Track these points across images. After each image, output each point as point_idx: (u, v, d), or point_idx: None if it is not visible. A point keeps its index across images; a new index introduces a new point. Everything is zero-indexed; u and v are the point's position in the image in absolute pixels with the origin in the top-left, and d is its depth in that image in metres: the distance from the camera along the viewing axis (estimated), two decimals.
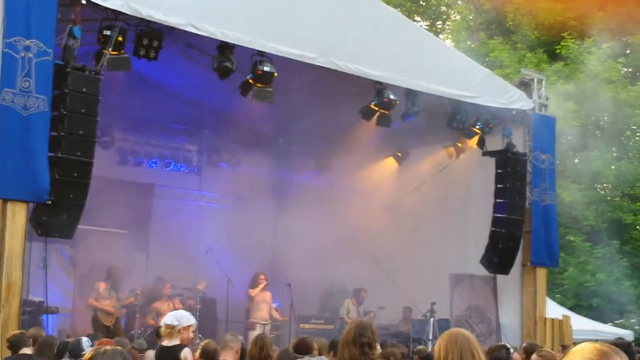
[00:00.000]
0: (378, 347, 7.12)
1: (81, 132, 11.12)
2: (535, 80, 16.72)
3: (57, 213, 10.95)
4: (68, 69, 11.02)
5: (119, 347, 5.87)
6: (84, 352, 7.78)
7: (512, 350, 8.86)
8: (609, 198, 28.87)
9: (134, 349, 10.65)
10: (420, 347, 12.13)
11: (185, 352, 8.52)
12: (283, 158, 20.90)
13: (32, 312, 12.70)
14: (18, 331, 9.35)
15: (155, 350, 8.93)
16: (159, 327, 9.95)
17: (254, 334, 15.00)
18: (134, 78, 16.32)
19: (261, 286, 16.35)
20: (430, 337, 16.24)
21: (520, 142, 16.53)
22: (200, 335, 14.32)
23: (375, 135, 16.80)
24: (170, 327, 8.54)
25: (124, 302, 15.49)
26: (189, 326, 8.65)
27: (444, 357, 4.83)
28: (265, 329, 16.03)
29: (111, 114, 14.95)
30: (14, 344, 8.81)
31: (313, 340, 8.82)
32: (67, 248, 16.86)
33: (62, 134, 10.96)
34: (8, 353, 9.64)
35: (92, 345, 8.08)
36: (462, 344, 4.83)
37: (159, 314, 15.61)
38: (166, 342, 8.59)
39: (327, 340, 9.30)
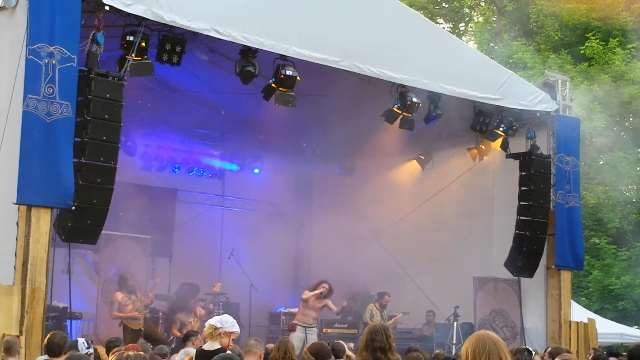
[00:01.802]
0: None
1: (105, 137, 11.15)
2: (559, 81, 16.60)
3: (81, 219, 10.99)
4: (91, 75, 11.04)
5: (141, 353, 5.89)
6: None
7: (533, 353, 8.81)
8: (634, 200, 28.64)
9: (155, 354, 10.67)
10: (438, 351, 12.04)
11: None
12: (306, 162, 20.88)
13: (56, 318, 12.76)
14: (58, 332, 9.32)
15: (194, 355, 8.86)
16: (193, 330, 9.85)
17: (293, 335, 15.02)
18: (157, 83, 16.41)
19: (316, 292, 15.89)
20: (454, 341, 16.19)
21: (544, 144, 16.42)
22: None
23: (398, 138, 16.76)
24: (212, 328, 8.45)
25: (145, 303, 15.51)
26: (231, 332, 8.53)
27: None
28: (306, 331, 15.88)
29: (134, 120, 15.00)
30: (55, 349, 8.78)
31: (329, 346, 8.84)
32: (90, 254, 16.97)
33: (86, 139, 10.99)
34: (32, 357, 9.70)
35: (88, 347, 8.10)
36: (491, 349, 4.69)
37: (183, 325, 15.68)
38: (207, 346, 8.52)
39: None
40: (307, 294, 15.88)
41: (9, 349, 8.86)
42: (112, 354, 6.64)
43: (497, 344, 4.72)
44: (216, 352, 8.35)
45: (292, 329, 15.83)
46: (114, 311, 15.22)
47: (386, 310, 17.69)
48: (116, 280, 15.88)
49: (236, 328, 8.60)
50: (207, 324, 8.68)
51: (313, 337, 15.39)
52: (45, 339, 9.01)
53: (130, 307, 15.19)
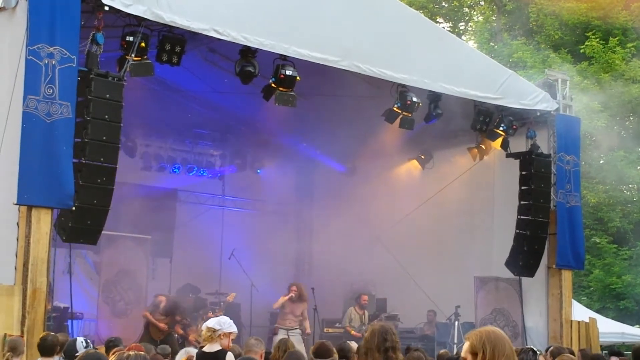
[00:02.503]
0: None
1: (105, 138, 11.15)
2: (560, 80, 16.59)
3: (82, 219, 10.99)
4: (91, 76, 11.05)
5: (142, 352, 5.89)
6: (77, 354, 7.80)
7: (538, 353, 8.79)
8: (635, 199, 28.64)
9: (158, 354, 10.66)
10: (442, 351, 12.05)
11: (230, 357, 8.41)
12: (307, 162, 20.88)
13: (57, 318, 12.77)
14: (50, 333, 9.32)
15: (195, 357, 8.84)
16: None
17: (276, 338, 15.03)
18: (157, 84, 16.39)
19: (284, 298, 15.97)
20: (455, 340, 16.17)
21: (544, 143, 16.42)
22: None
23: (398, 138, 16.75)
24: (212, 331, 8.42)
25: (178, 321, 15.44)
26: (229, 333, 8.50)
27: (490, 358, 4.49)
28: (288, 333, 15.92)
29: (134, 120, 14.99)
30: (47, 348, 8.79)
31: (332, 345, 8.81)
32: (91, 254, 16.98)
33: (86, 140, 10.99)
34: (34, 358, 9.69)
35: (87, 346, 8.10)
36: (509, 355, 4.53)
37: (187, 325, 15.66)
38: (207, 348, 8.50)
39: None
40: (277, 303, 16.00)
41: (15, 349, 8.89)
42: (113, 353, 6.62)
43: (512, 348, 4.54)
44: (217, 353, 8.36)
45: (275, 332, 15.83)
46: (147, 311, 15.22)
47: (366, 310, 17.61)
48: (118, 279, 15.92)
49: (234, 328, 8.59)
50: (204, 327, 8.66)
51: (296, 339, 15.43)
52: (41, 337, 9.03)
53: (164, 318, 15.20)
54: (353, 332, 16.55)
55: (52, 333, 9.41)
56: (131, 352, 5.81)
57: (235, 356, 8.42)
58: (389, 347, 6.70)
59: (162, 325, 15.13)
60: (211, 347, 8.42)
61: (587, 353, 12.55)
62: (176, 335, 15.58)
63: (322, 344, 8.65)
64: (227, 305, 16.77)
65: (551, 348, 10.79)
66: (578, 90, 21.52)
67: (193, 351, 9.48)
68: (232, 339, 8.56)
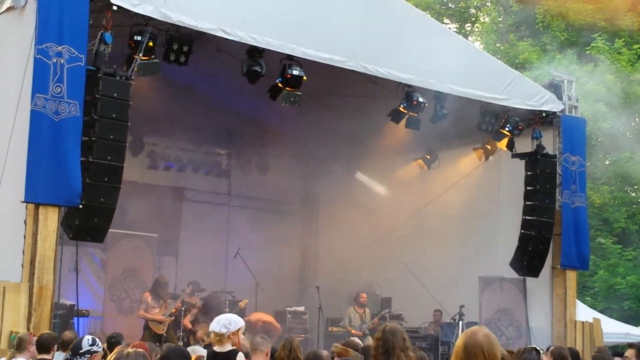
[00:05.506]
0: None
1: (112, 136, 11.22)
2: (565, 81, 16.62)
3: (89, 217, 11.05)
4: (99, 75, 11.11)
5: (141, 350, 5.94)
6: (81, 351, 7.87)
7: (541, 352, 8.78)
8: None
9: None
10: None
11: (241, 357, 8.35)
12: (312, 161, 20.91)
13: (63, 316, 12.81)
14: (47, 331, 9.39)
15: (205, 356, 8.83)
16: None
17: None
18: (164, 83, 16.43)
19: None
20: None
21: (550, 144, 16.44)
22: None
23: (404, 138, 16.76)
24: (219, 335, 8.37)
25: (171, 311, 15.46)
26: (238, 330, 8.45)
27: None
28: None
29: (141, 119, 15.04)
30: (43, 345, 8.86)
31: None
32: (98, 252, 17.03)
33: (94, 138, 11.06)
34: None
35: (92, 344, 8.15)
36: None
37: (197, 321, 15.68)
38: (218, 348, 8.48)
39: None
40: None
41: (20, 345, 8.97)
42: (114, 351, 6.65)
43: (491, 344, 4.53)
44: (229, 353, 8.33)
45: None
46: (141, 310, 15.26)
47: (366, 307, 17.64)
48: (124, 277, 15.94)
49: (240, 323, 8.43)
50: (210, 330, 8.58)
51: None
52: (36, 337, 9.11)
53: (157, 310, 15.22)
54: (354, 332, 16.63)
55: (49, 331, 9.49)
56: (130, 350, 5.86)
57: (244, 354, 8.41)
58: (408, 346, 6.77)
59: (160, 317, 15.16)
60: (222, 348, 8.37)
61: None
62: (181, 333, 15.63)
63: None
64: (238, 310, 16.80)
65: (551, 348, 10.75)
66: (584, 91, 21.53)
67: (199, 350, 9.48)
68: (242, 333, 8.46)
